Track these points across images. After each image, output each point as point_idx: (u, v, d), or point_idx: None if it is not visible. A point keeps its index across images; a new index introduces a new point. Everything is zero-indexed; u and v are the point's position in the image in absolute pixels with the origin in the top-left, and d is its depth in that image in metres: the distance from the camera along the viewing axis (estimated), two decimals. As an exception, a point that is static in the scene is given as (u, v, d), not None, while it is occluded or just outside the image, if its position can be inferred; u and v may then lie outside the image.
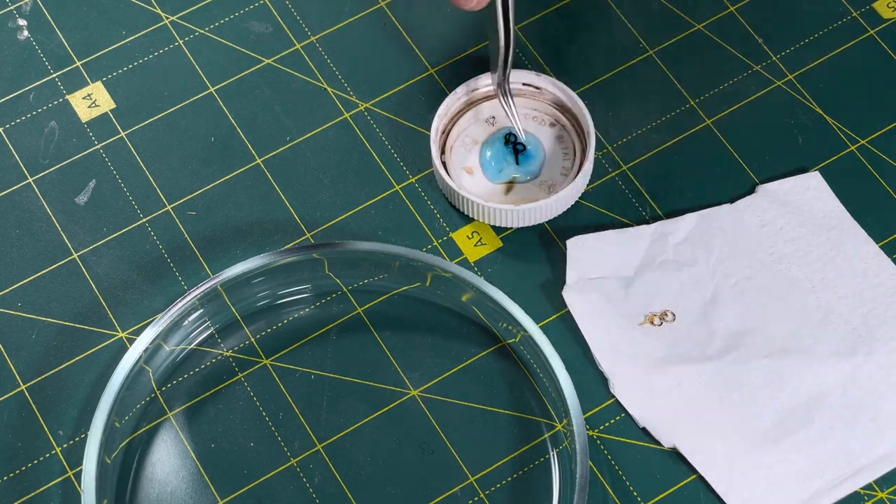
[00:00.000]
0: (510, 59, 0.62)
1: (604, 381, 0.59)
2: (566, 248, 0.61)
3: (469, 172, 0.62)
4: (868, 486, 0.57)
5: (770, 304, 0.60)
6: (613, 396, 0.58)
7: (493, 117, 0.63)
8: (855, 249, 0.61)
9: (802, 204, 0.62)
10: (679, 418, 0.58)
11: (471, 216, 0.62)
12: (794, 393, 0.58)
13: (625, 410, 0.58)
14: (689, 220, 0.62)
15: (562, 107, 0.63)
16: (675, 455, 0.57)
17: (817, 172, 0.63)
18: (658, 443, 0.57)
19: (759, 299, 0.60)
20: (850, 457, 0.57)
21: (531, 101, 0.64)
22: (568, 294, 0.60)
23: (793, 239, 0.61)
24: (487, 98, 0.64)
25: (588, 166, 0.61)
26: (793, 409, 0.57)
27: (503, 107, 0.62)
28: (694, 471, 0.57)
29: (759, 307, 0.60)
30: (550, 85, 0.63)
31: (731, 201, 0.62)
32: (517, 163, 0.62)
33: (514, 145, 0.62)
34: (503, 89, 0.62)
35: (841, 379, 0.58)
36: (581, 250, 0.61)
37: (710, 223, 0.61)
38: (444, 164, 0.62)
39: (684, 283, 0.60)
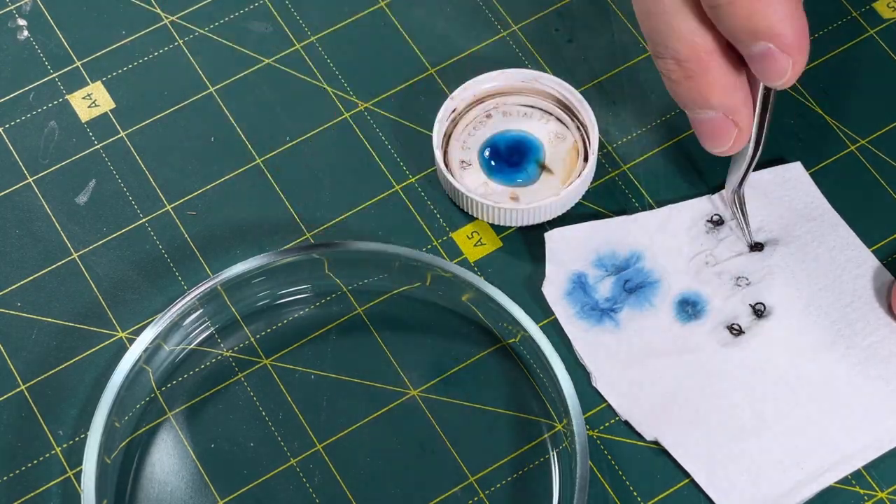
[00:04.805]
0: (754, 165, 0.58)
1: (587, 374, 0.59)
2: (545, 242, 0.61)
3: (514, 198, 0.62)
4: (868, 486, 0.57)
5: (749, 295, 0.60)
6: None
7: (490, 116, 0.63)
8: (836, 241, 0.61)
9: (783, 194, 0.62)
10: (660, 411, 0.58)
11: (473, 215, 0.62)
12: (775, 385, 0.58)
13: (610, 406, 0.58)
14: (668, 211, 0.62)
15: (564, 106, 0.63)
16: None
17: (798, 163, 0.63)
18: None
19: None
20: (831, 448, 0.57)
21: (533, 100, 0.64)
22: (547, 288, 0.60)
23: (773, 230, 0.61)
24: (488, 97, 0.64)
25: (591, 166, 0.61)
26: (773, 401, 0.58)
27: (735, 214, 0.60)
28: (678, 464, 0.57)
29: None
30: (554, 84, 0.63)
31: (713, 191, 0.62)
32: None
33: (753, 247, 0.60)
34: (738, 196, 0.59)
35: (820, 371, 0.58)
36: (559, 243, 0.61)
37: (689, 214, 0.62)
38: (446, 163, 0.62)
39: (664, 275, 0.60)
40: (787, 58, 0.51)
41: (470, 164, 0.62)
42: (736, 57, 0.54)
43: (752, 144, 0.58)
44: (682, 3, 0.52)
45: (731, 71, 0.53)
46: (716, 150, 0.54)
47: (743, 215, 0.60)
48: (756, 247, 0.60)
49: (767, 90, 0.56)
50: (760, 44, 0.51)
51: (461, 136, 0.63)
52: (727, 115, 0.53)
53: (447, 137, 0.63)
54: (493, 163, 0.62)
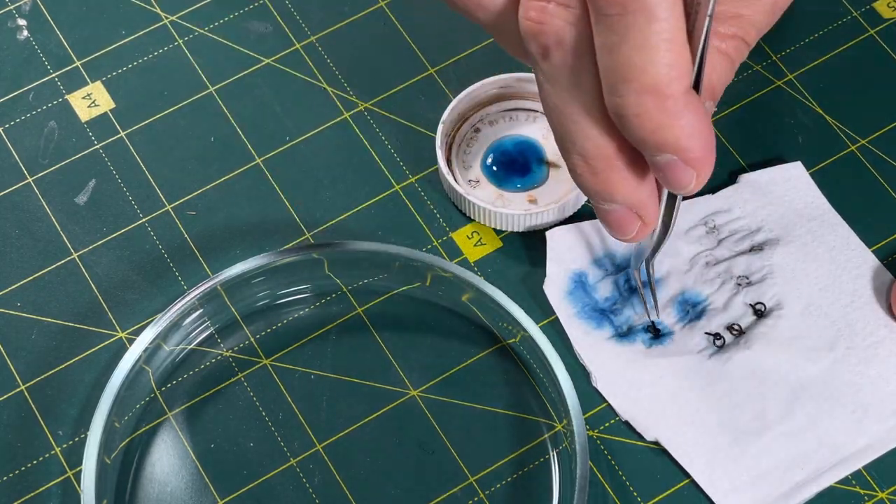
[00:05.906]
0: (661, 248, 0.57)
1: (587, 374, 0.59)
2: (546, 240, 0.61)
3: (532, 201, 0.61)
4: (868, 486, 0.57)
5: (749, 295, 0.60)
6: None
7: (479, 130, 0.63)
8: (836, 241, 0.61)
9: (784, 194, 0.62)
10: (661, 411, 0.58)
11: (478, 220, 0.62)
12: (775, 385, 0.58)
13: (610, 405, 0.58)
14: None
15: None
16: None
17: (799, 163, 0.63)
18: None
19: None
20: (832, 448, 0.57)
21: (513, 103, 0.63)
22: (548, 287, 0.60)
23: (773, 229, 0.61)
24: (491, 102, 0.63)
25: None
26: (774, 402, 0.58)
27: (640, 290, 0.59)
28: (678, 464, 0.57)
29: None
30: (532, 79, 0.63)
31: (713, 191, 0.62)
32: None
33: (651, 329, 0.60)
34: (647, 270, 0.59)
35: (821, 372, 0.58)
36: (560, 242, 0.61)
37: (689, 214, 0.61)
38: (449, 167, 0.62)
39: (664, 275, 0.60)
40: (691, 171, 0.48)
41: (478, 182, 0.62)
42: (641, 156, 0.52)
43: (658, 230, 0.56)
44: (589, 103, 0.49)
45: (637, 169, 0.51)
46: (620, 239, 0.52)
47: (651, 292, 0.59)
48: (654, 320, 0.59)
49: None
50: (665, 155, 0.48)
51: (459, 156, 0.63)
52: (631, 209, 0.51)
53: (450, 140, 0.63)
54: (500, 174, 0.62)
